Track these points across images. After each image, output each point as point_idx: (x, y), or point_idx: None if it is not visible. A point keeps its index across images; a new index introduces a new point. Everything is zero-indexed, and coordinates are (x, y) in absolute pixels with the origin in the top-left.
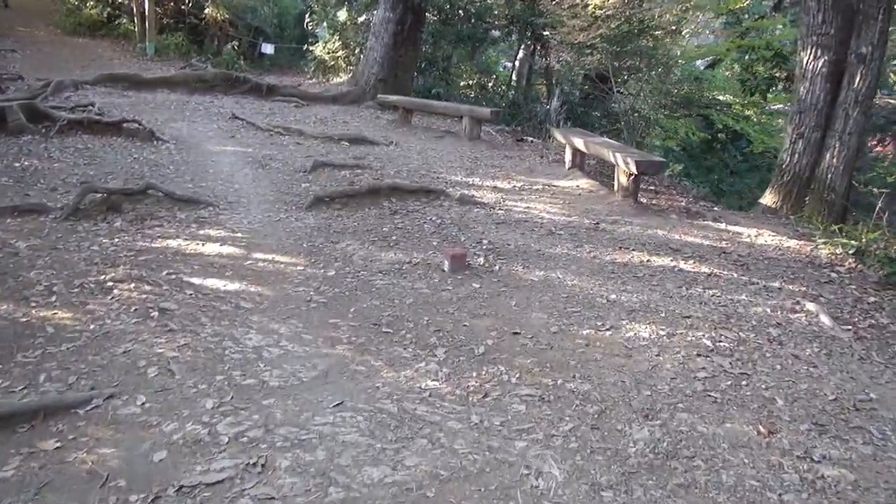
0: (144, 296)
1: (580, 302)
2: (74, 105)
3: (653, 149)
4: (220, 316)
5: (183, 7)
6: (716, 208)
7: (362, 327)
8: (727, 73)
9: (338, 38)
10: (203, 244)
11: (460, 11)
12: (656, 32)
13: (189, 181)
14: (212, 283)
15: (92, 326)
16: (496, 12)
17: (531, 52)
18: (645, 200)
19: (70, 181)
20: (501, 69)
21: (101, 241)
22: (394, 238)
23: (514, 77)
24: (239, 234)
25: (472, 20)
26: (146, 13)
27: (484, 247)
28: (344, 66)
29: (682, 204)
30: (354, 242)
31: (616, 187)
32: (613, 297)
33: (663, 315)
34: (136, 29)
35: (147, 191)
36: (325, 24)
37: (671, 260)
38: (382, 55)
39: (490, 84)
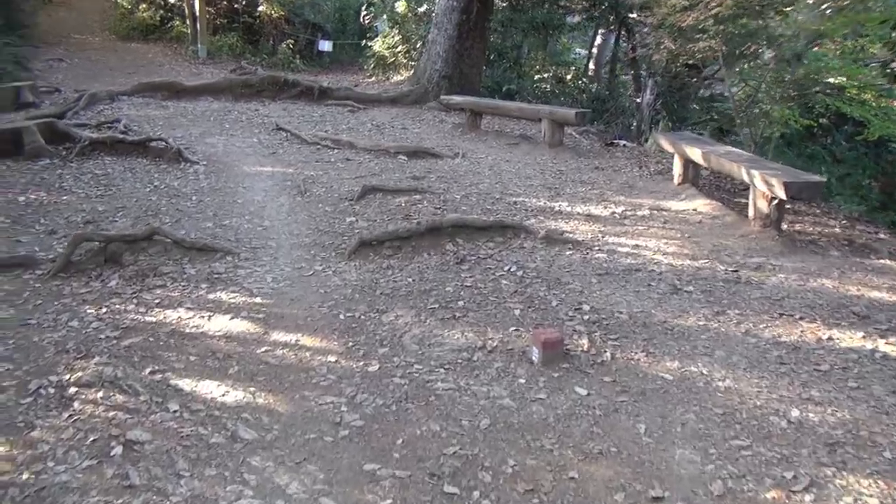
0: (112, 414)
1: (746, 426)
2: (100, 122)
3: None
4: (205, 458)
5: (236, 6)
6: (882, 235)
7: (414, 482)
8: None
9: (397, 31)
10: (210, 317)
11: None
12: (787, 9)
13: (211, 217)
14: (207, 388)
15: (24, 476)
16: None
17: (616, 39)
18: (786, 226)
19: (74, 220)
20: (573, 57)
21: (84, 313)
22: (460, 304)
23: (591, 66)
24: (258, 299)
25: (547, 5)
26: (198, 14)
27: (586, 317)
28: (404, 62)
29: (837, 229)
30: (407, 312)
31: (752, 213)
32: (795, 413)
33: (889, 456)
34: (188, 31)
35: (153, 236)
36: (384, 16)
37: (863, 336)
38: (446, 49)
39: (569, 77)
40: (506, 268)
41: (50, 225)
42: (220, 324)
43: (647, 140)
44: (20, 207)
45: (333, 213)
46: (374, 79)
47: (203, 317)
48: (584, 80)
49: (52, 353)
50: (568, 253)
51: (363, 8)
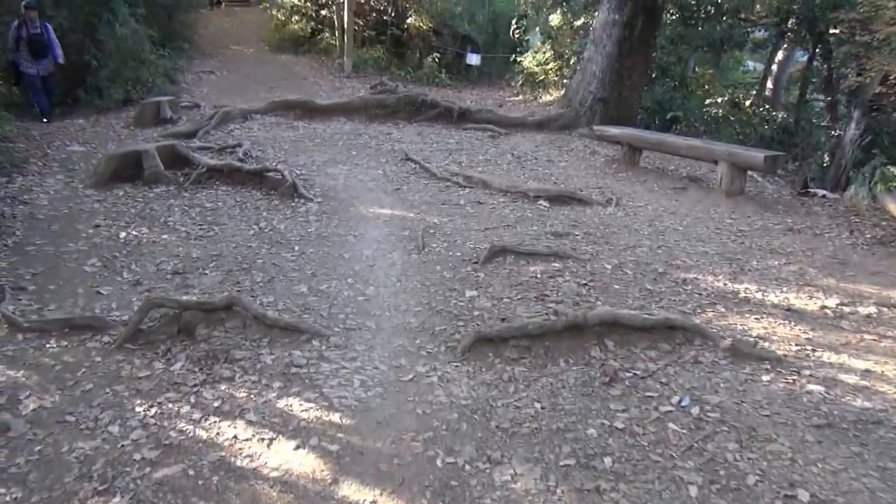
0: None
1: None
2: (224, 146)
3: None
4: None
5: (385, 18)
6: None
7: None
8: None
9: (550, 46)
10: (271, 441)
11: (710, 8)
12: None
13: (308, 277)
14: None
15: None
16: (758, 7)
17: (809, 58)
18: None
19: (164, 269)
20: (742, 70)
21: (131, 413)
22: (607, 463)
23: (769, 85)
24: (336, 417)
25: (726, 18)
26: (346, 26)
27: None
28: (555, 80)
29: None
30: (529, 471)
31: None
32: None
33: None
34: (336, 44)
35: (232, 307)
36: (536, 29)
37: None
38: (603, 68)
39: (748, 101)
40: (674, 399)
41: (138, 274)
42: (280, 456)
43: (850, 187)
44: (117, 246)
45: (452, 281)
46: (521, 97)
47: (263, 440)
48: (767, 106)
49: (72, 478)
50: (765, 379)
51: (514, 20)
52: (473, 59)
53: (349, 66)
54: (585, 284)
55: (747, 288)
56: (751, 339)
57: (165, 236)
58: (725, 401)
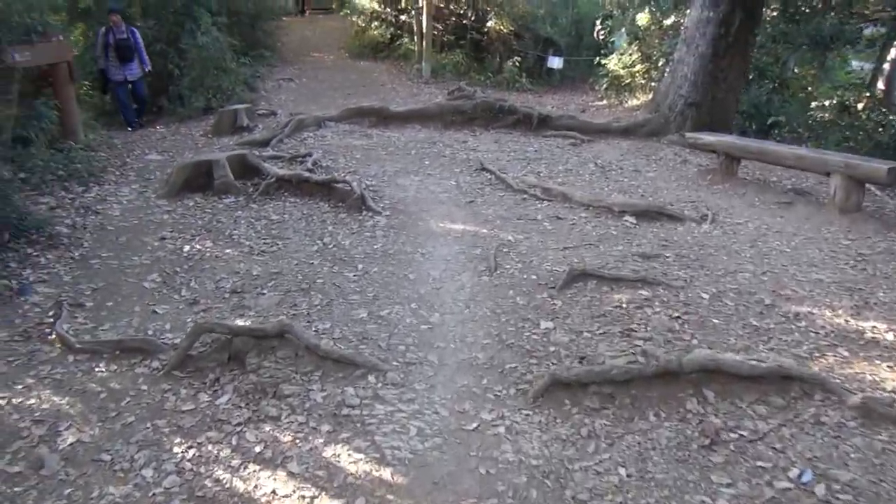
0: None
1: None
2: (294, 155)
3: None
4: None
5: (465, 22)
6: None
7: None
8: None
9: (636, 47)
10: (313, 500)
11: (817, 2)
12: None
13: (370, 301)
14: None
15: None
16: None
17: None
18: None
19: (222, 287)
20: (847, 71)
21: (168, 453)
22: None
23: (880, 86)
24: (388, 473)
25: (835, 13)
26: (424, 31)
27: None
28: (642, 83)
29: None
30: None
31: None
32: None
33: None
34: (415, 49)
35: (284, 335)
36: (622, 30)
37: None
38: (696, 70)
39: (860, 105)
40: (793, 472)
41: (196, 292)
42: None
43: None
44: (179, 261)
45: (526, 308)
46: (605, 102)
47: (304, 497)
48: (883, 110)
49: None
50: None
51: (598, 21)
52: (555, 62)
53: (427, 71)
54: (678, 318)
55: (874, 327)
56: (885, 396)
57: (228, 251)
58: (859, 478)
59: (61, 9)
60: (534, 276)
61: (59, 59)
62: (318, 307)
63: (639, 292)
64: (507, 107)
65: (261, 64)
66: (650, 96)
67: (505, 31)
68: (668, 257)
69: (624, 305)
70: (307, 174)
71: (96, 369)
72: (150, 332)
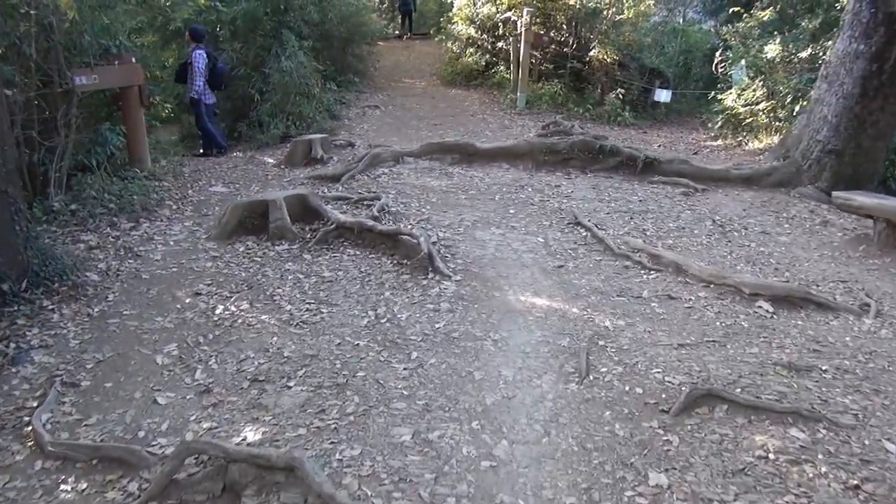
0: None
1: None
2: (361, 197)
3: None
4: None
5: (566, 50)
6: None
7: None
8: None
9: (761, 82)
10: None
11: None
12: None
13: (418, 413)
14: None
15: None
16: None
17: None
18: None
19: (245, 371)
20: None
21: None
22: None
23: None
24: None
25: None
26: (521, 59)
27: None
28: (765, 123)
29: None
30: None
31: None
32: None
33: None
34: (510, 77)
35: (294, 470)
36: (742, 62)
37: None
38: (838, 112)
39: None
40: None
41: (212, 375)
42: None
43: None
44: (207, 326)
45: (628, 445)
46: (720, 143)
47: None
48: None
49: None
50: None
51: (718, 53)
52: (663, 95)
53: (522, 101)
54: (857, 487)
55: None
56: None
57: (265, 317)
58: None
59: (146, 29)
60: (639, 390)
61: (129, 83)
62: (351, 418)
63: (791, 432)
64: (608, 147)
65: (349, 90)
66: (777, 139)
67: (608, 60)
68: (824, 371)
69: (771, 456)
70: (371, 223)
71: (61, 487)
72: (140, 433)
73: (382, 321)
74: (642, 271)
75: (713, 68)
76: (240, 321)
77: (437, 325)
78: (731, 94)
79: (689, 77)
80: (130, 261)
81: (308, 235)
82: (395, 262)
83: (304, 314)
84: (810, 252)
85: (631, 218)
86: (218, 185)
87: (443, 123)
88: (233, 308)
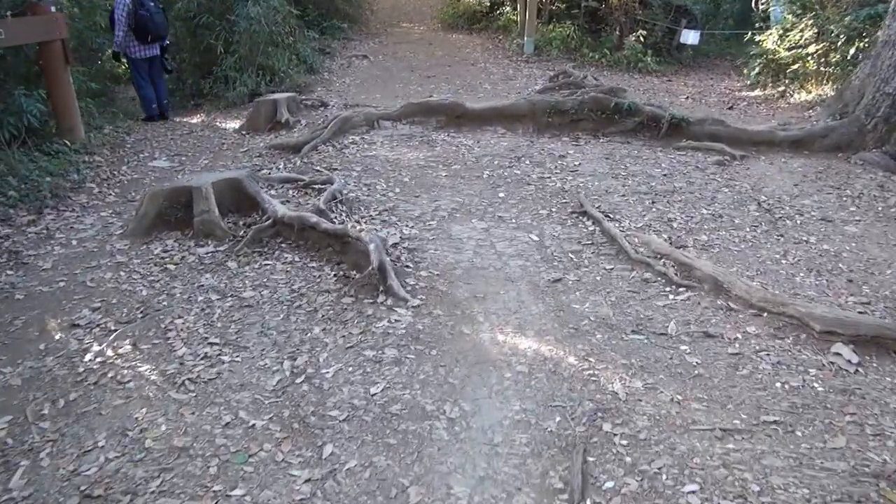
0: None
1: None
2: (311, 180)
3: None
4: None
5: None
6: None
7: None
8: None
9: (810, 21)
10: None
11: None
12: None
13: None
14: None
15: None
16: None
17: None
18: None
19: (80, 478)
20: None
21: None
22: None
23: None
24: None
25: None
26: (527, 1)
27: None
28: (816, 71)
29: None
30: None
31: None
32: None
33: None
34: (518, 19)
35: None
36: None
37: None
38: None
39: None
40: None
41: (37, 478)
42: None
43: None
44: (64, 386)
45: None
46: (758, 92)
47: None
48: None
49: None
50: None
51: None
52: (690, 37)
53: (529, 47)
54: None
55: None
56: None
57: (146, 369)
58: None
59: None
60: None
61: (49, 37)
62: None
63: None
64: (625, 105)
65: (335, 37)
66: (830, 90)
67: None
68: None
69: None
70: (314, 218)
71: None
72: None
73: (299, 381)
74: (667, 289)
75: (752, 4)
76: (111, 375)
77: (373, 390)
78: (771, 34)
79: (717, 14)
80: (10, 272)
81: (241, 232)
82: (340, 274)
83: (198, 365)
84: (891, 250)
85: (653, 202)
86: (161, 158)
87: (437, 75)
88: (110, 352)
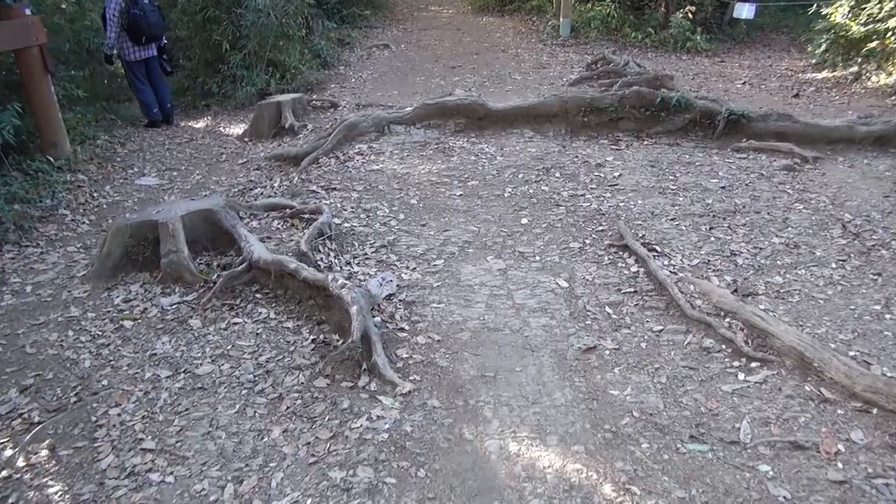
0: None
1: None
2: (299, 208)
3: None
4: None
5: None
6: None
7: None
8: None
9: None
10: None
11: None
12: None
13: None
14: None
15: None
16: None
17: None
18: None
19: None
20: None
21: None
22: None
23: None
24: None
25: None
26: None
27: None
28: None
29: None
30: None
31: None
32: None
33: None
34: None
35: None
36: None
37: None
38: None
39: None
40: None
41: None
42: None
43: None
44: None
45: None
46: (826, 74)
47: None
48: None
49: None
50: None
51: None
52: (745, 10)
53: (566, 29)
54: None
55: None
56: None
57: (54, 490)
58: None
59: None
60: None
61: (25, 44)
62: None
63: None
64: (673, 100)
65: (355, 25)
66: None
67: None
68: None
69: None
70: (293, 264)
71: None
72: None
73: None
74: (736, 363)
75: None
76: (10, 503)
77: None
78: (841, 6)
79: None
80: None
81: (214, 276)
82: (320, 339)
83: (119, 487)
84: None
85: (710, 227)
86: (151, 174)
87: (463, 65)
88: (21, 461)
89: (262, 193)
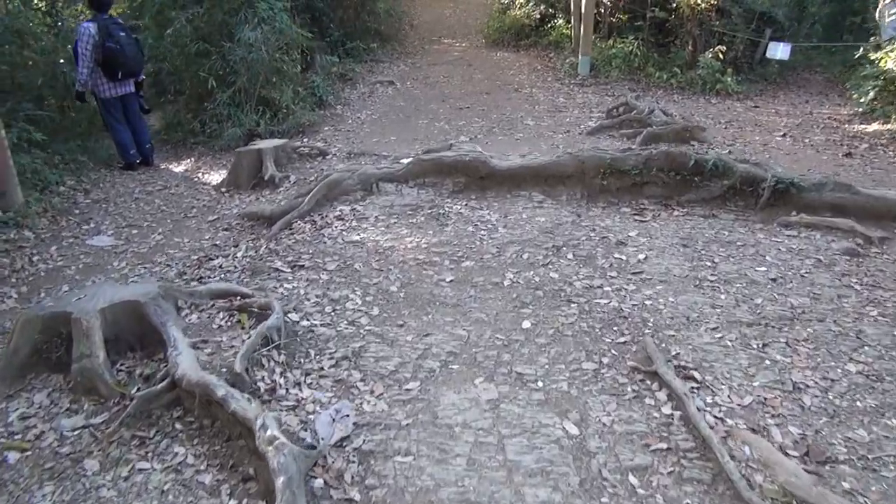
0: None
1: None
2: (247, 300)
3: None
4: None
5: None
6: None
7: None
8: None
9: None
10: None
11: None
12: None
13: None
14: None
15: None
16: None
17: None
18: None
19: None
20: None
21: None
22: None
23: None
24: None
25: None
26: (583, 9)
27: None
28: None
29: None
30: None
31: None
32: None
33: None
34: (571, 34)
35: None
36: None
37: None
38: None
39: None
40: None
41: None
42: None
43: None
44: None
45: None
46: (876, 126)
47: None
48: None
49: None
50: None
51: None
52: (779, 50)
53: (585, 67)
54: None
55: None
56: None
57: None
58: None
59: None
60: None
61: None
62: None
63: None
64: (709, 164)
65: (359, 59)
66: None
67: (703, 4)
68: None
69: None
70: (222, 390)
71: None
72: None
73: None
74: None
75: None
76: None
77: None
78: (893, 50)
79: (802, 19)
80: None
81: (134, 389)
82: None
83: None
84: None
85: (763, 344)
86: (108, 231)
87: (472, 106)
88: None
89: (220, 266)
